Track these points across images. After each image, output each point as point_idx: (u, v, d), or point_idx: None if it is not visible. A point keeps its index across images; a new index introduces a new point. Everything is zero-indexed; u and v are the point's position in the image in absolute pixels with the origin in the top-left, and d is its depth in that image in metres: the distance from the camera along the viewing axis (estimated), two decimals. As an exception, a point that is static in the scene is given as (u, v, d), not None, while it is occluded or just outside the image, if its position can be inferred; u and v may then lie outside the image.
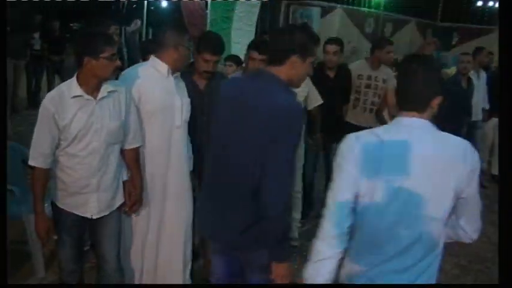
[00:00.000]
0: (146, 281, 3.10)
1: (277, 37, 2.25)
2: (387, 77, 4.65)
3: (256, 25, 11.14)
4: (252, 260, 2.23)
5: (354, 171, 1.77)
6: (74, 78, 2.51)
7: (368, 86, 4.56)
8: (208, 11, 10.43)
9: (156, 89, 2.86)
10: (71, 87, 2.50)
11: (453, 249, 4.31)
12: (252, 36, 11.00)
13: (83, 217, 2.64)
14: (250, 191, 2.07)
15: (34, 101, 8.80)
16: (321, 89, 4.14)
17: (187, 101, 3.01)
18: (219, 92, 2.31)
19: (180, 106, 2.93)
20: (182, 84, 3.03)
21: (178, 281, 3.13)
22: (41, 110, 2.49)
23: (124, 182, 2.79)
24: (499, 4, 3.72)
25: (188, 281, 3.22)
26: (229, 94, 2.23)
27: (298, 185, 4.19)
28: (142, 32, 10.86)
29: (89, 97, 2.50)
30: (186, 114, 3.00)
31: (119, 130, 2.64)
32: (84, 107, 2.50)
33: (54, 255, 3.58)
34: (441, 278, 3.65)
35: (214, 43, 3.18)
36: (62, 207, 2.64)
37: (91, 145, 2.54)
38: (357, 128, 4.09)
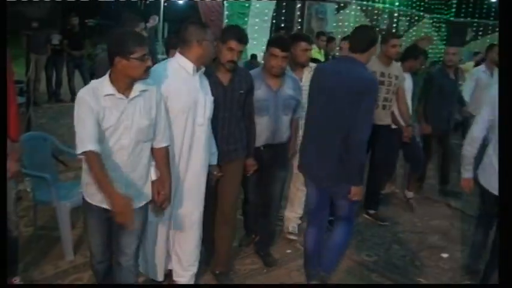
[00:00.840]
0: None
1: (364, 33, 3.19)
2: (399, 73, 4.65)
3: (272, 21, 11.27)
4: (337, 189, 3.12)
5: None
6: (107, 77, 2.52)
7: (382, 83, 4.46)
8: (224, 7, 10.57)
9: (182, 88, 2.86)
10: (104, 85, 2.50)
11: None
12: (267, 32, 11.13)
13: (108, 212, 2.56)
14: (341, 138, 2.96)
15: (54, 95, 9.01)
16: None
17: (210, 98, 3.01)
18: (320, 70, 3.29)
19: (203, 104, 2.94)
20: (206, 81, 3.04)
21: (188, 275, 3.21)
22: (78, 101, 2.48)
23: (152, 182, 2.77)
24: (499, 4, 3.68)
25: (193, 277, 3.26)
26: (329, 71, 3.22)
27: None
28: (158, 28, 11.00)
29: (121, 96, 2.50)
30: (208, 112, 3.00)
31: (149, 128, 2.63)
32: (116, 104, 2.50)
33: (82, 239, 3.76)
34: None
35: (239, 32, 3.23)
36: (90, 201, 2.65)
37: (120, 141, 2.54)
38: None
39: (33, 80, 7.44)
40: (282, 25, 11.04)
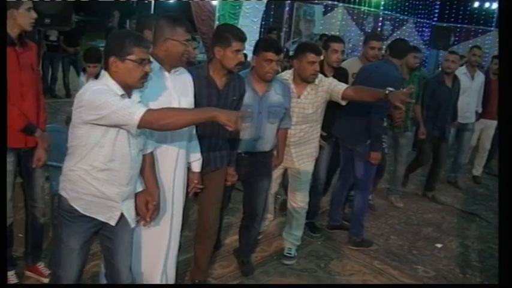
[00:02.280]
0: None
1: (403, 42, 4.36)
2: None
3: (261, 21, 11.46)
4: (360, 151, 4.01)
5: None
6: (108, 77, 2.28)
7: None
8: (216, 7, 10.71)
9: (149, 88, 2.49)
10: (111, 85, 2.26)
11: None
12: (256, 32, 11.31)
13: (98, 226, 2.41)
14: (367, 114, 3.88)
15: (49, 90, 9.06)
16: None
17: (187, 100, 2.73)
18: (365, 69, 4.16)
19: (177, 106, 2.64)
20: (186, 82, 2.78)
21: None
22: (98, 90, 2.21)
23: (137, 193, 2.55)
24: (499, 4, 3.83)
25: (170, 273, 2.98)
26: (373, 69, 4.10)
27: (304, 200, 3.84)
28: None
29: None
30: None
31: (145, 136, 2.48)
32: None
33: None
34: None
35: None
36: (84, 213, 2.34)
37: (123, 150, 2.33)
38: None
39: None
40: (272, 26, 11.20)
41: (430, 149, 5.47)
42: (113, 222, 2.42)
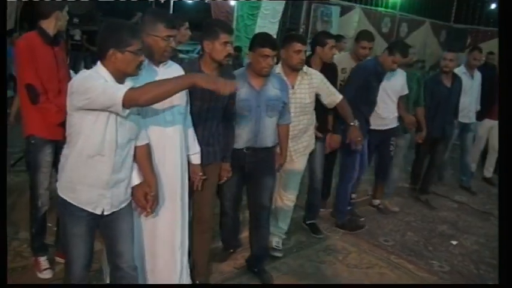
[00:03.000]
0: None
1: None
2: None
3: (279, 22, 11.61)
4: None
5: None
6: (101, 66, 2.35)
7: None
8: (234, 8, 10.88)
9: (139, 82, 2.47)
10: (101, 72, 2.34)
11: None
12: (275, 33, 11.45)
13: (94, 215, 2.46)
14: None
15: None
16: None
17: (180, 94, 2.65)
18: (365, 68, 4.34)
19: (169, 99, 2.57)
20: (175, 75, 2.66)
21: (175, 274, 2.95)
22: (89, 77, 2.31)
23: (136, 186, 2.61)
24: (499, 5, 3.79)
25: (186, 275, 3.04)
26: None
27: (293, 192, 3.93)
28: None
29: None
30: (178, 107, 2.78)
31: (137, 125, 2.51)
32: None
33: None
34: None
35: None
36: (72, 202, 2.41)
37: (112, 139, 2.38)
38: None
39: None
40: (289, 27, 11.33)
41: (427, 150, 5.41)
42: (99, 211, 2.45)
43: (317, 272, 3.73)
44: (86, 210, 2.42)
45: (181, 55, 4.57)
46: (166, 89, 2.28)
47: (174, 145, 2.79)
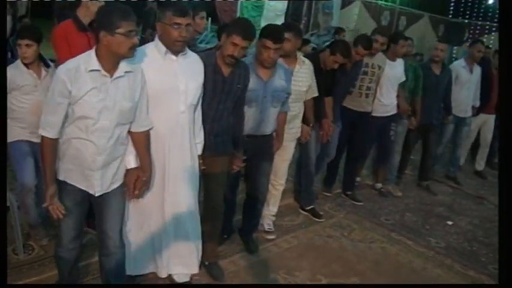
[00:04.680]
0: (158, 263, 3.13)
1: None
2: (382, 63, 4.86)
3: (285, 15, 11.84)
4: None
5: None
6: (93, 52, 2.43)
7: (365, 73, 4.75)
8: (239, -1, 11.08)
9: (156, 71, 2.70)
10: (89, 61, 2.40)
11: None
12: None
13: (85, 193, 2.58)
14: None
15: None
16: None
17: (194, 85, 2.86)
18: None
19: (184, 90, 2.79)
20: (195, 66, 2.90)
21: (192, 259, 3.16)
22: (55, 79, 2.44)
23: (132, 169, 2.70)
24: (499, 4, 3.86)
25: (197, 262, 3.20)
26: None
27: (283, 177, 4.11)
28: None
29: (106, 73, 2.42)
30: (192, 98, 2.86)
31: (131, 111, 2.56)
32: (99, 83, 2.42)
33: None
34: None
35: (245, 28, 3.02)
36: (66, 180, 2.56)
37: (100, 122, 2.44)
38: (353, 112, 4.83)
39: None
40: (293, 19, 11.53)
41: (416, 137, 5.56)
42: (92, 191, 2.57)
43: (325, 244, 4.08)
44: (78, 187, 2.56)
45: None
46: (43, 169, 2.52)
47: (184, 134, 2.88)
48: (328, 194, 5.14)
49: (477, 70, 5.98)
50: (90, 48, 3.45)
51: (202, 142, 3.08)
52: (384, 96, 4.97)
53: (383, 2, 14.90)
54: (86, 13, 3.52)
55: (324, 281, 3.52)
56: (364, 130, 4.97)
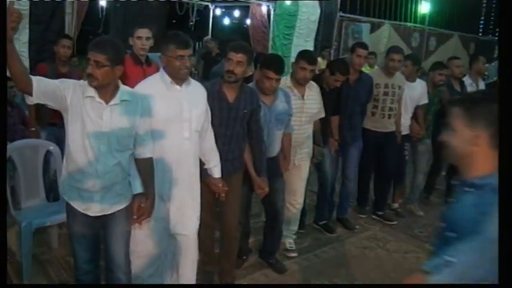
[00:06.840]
0: None
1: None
2: (402, 83, 4.87)
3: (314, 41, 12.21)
4: None
5: None
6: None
7: (386, 94, 4.79)
8: (270, 28, 11.51)
9: (161, 100, 2.79)
10: (87, 87, 2.48)
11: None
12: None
13: (87, 215, 2.62)
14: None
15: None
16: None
17: (198, 111, 2.93)
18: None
19: (188, 118, 2.87)
20: (198, 94, 2.98)
21: None
22: (66, 80, 2.53)
23: (136, 195, 2.75)
24: (500, 7, 3.95)
25: None
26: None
27: (301, 197, 4.20)
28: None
29: (100, 100, 2.48)
30: (196, 125, 2.92)
31: (127, 138, 2.61)
32: (95, 108, 2.49)
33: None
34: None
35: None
36: (71, 203, 2.64)
37: (95, 147, 2.51)
38: (377, 134, 4.91)
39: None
40: (325, 45, 11.84)
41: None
42: (90, 213, 2.62)
43: (362, 255, 4.35)
44: (79, 211, 2.61)
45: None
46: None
47: (189, 160, 2.94)
48: (362, 216, 5.25)
49: (481, 85, 5.99)
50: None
51: (219, 165, 3.17)
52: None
53: (412, 24, 15.14)
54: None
55: (361, 288, 3.78)
56: (391, 149, 5.00)
